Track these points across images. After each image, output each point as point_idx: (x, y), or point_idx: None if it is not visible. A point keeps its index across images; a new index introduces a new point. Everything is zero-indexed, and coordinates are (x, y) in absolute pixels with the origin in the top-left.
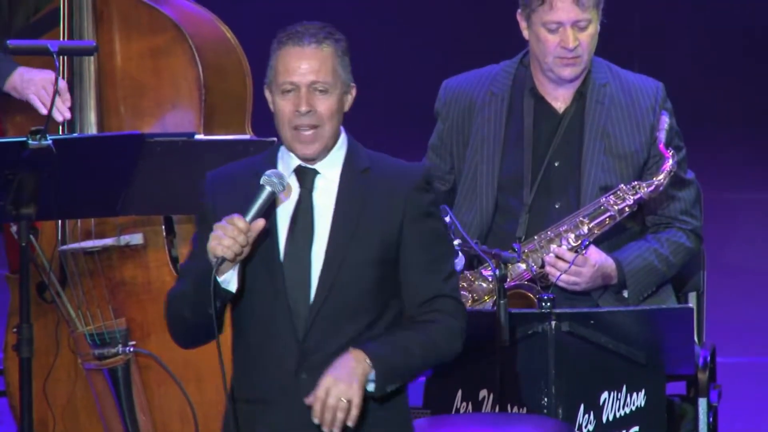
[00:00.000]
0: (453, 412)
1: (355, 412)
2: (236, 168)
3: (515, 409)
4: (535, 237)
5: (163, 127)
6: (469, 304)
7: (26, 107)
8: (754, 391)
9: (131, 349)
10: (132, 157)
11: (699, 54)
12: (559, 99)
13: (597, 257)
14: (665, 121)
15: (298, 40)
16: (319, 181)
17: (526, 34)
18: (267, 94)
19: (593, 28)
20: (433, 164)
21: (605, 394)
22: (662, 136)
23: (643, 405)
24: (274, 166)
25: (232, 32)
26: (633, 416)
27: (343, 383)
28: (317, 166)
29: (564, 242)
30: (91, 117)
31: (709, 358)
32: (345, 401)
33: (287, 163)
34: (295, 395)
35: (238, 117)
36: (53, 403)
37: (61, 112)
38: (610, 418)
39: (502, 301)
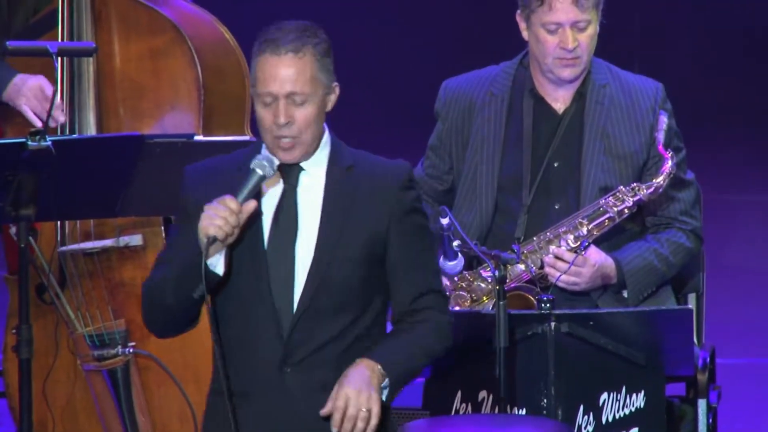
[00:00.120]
0: (452, 413)
1: (374, 421)
2: (217, 162)
3: (515, 411)
4: (534, 238)
5: (163, 128)
6: (468, 304)
7: None
8: (754, 392)
9: (131, 350)
10: (131, 159)
11: (699, 54)
12: (559, 100)
13: (596, 257)
14: (664, 121)
15: (275, 48)
16: (303, 178)
17: (525, 35)
18: (252, 96)
19: (592, 29)
20: (432, 164)
21: (605, 395)
22: (661, 136)
23: (642, 406)
24: None
25: (230, 33)
26: (632, 417)
27: (363, 393)
28: (302, 162)
29: (563, 243)
30: (90, 118)
31: (708, 359)
32: (365, 411)
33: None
34: (278, 389)
35: (237, 118)
36: (52, 404)
37: (54, 118)
38: (610, 419)
39: (501, 303)
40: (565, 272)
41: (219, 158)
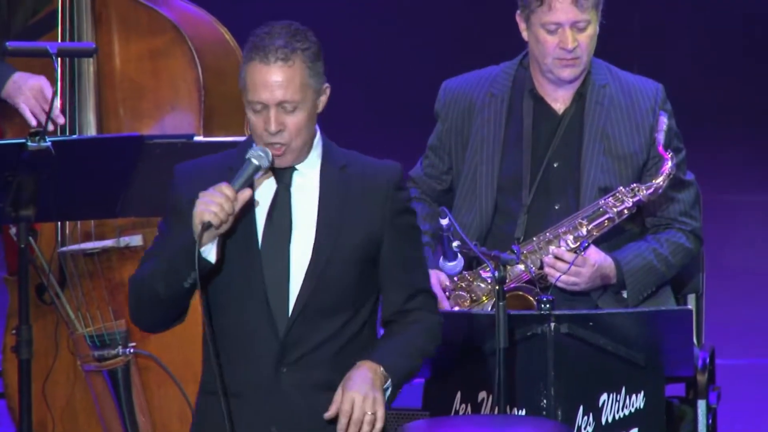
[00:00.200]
0: (452, 413)
1: (380, 424)
2: (206, 161)
3: (514, 411)
4: (534, 238)
5: (162, 128)
6: (467, 304)
7: None
8: (754, 392)
9: (131, 351)
10: (131, 159)
11: (699, 54)
12: (559, 100)
13: (596, 257)
14: (664, 122)
15: (264, 56)
16: (297, 178)
17: (525, 35)
18: (244, 99)
19: (592, 29)
20: (431, 163)
21: (604, 396)
22: (660, 137)
23: (642, 407)
24: None
25: (230, 34)
26: (632, 418)
27: (368, 397)
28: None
29: (563, 244)
30: (90, 119)
31: (708, 360)
32: (371, 414)
33: None
34: (273, 389)
35: (238, 119)
36: (52, 404)
37: (53, 120)
38: (609, 420)
39: (501, 303)
40: (564, 272)
41: (209, 157)
